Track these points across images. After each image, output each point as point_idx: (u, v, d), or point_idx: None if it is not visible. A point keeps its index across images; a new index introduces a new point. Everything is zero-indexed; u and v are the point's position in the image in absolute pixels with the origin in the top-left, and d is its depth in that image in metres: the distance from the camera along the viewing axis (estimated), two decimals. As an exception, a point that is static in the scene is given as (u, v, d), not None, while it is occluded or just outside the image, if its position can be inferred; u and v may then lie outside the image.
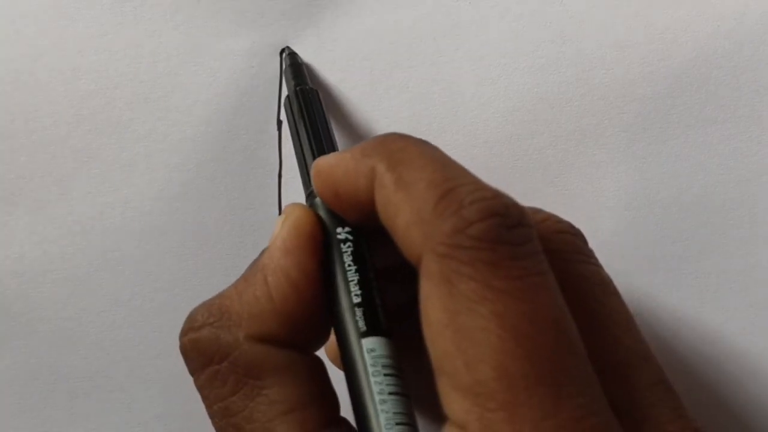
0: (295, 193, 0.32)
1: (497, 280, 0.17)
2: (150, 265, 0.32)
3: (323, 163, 0.21)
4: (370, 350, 0.20)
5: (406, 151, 0.20)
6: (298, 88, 0.29)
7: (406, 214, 0.18)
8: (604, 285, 0.21)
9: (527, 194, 0.31)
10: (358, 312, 0.20)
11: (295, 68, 0.30)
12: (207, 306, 0.21)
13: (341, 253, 0.21)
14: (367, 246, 0.22)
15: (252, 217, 0.32)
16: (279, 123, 0.31)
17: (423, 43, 0.31)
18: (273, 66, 0.31)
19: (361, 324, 0.20)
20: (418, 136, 0.20)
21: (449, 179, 0.18)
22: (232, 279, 0.32)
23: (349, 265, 0.21)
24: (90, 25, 0.31)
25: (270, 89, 0.31)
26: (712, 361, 0.32)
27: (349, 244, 0.21)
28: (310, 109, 0.28)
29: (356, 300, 0.20)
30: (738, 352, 0.32)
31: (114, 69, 0.31)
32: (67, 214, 0.31)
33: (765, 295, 0.32)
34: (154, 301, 0.32)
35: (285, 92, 0.31)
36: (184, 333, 0.21)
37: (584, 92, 0.31)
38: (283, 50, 0.31)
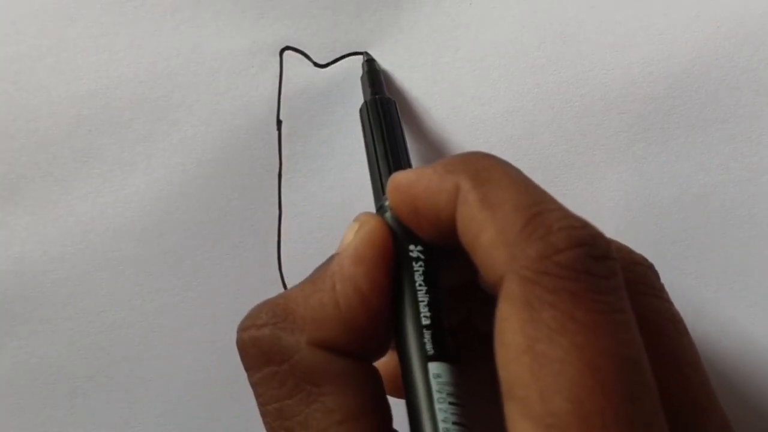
0: (295, 193, 0.32)
1: (580, 312, 0.17)
2: (150, 265, 0.32)
3: (402, 178, 0.21)
4: (436, 375, 0.19)
5: (493, 170, 0.19)
6: (376, 97, 0.28)
7: (491, 233, 0.18)
8: (676, 322, 0.21)
9: (527, 194, 0.31)
10: (426, 334, 0.20)
11: (372, 75, 0.30)
12: (271, 305, 0.21)
13: (412, 272, 0.21)
14: (438, 266, 0.21)
15: (252, 217, 0.32)
16: (279, 123, 0.31)
17: (424, 43, 0.31)
18: (273, 66, 0.31)
19: (429, 347, 0.19)
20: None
21: (537, 203, 0.18)
22: (232, 279, 0.32)
23: (420, 285, 0.20)
24: (90, 25, 0.31)
25: (270, 89, 0.31)
26: (712, 360, 0.32)
27: (421, 263, 0.21)
28: (389, 119, 0.28)
29: (425, 321, 0.20)
30: (738, 352, 0.32)
31: (114, 69, 0.31)
32: (67, 214, 0.31)
33: (765, 295, 0.32)
34: (154, 301, 0.32)
35: (285, 92, 0.31)
36: (244, 328, 0.21)
37: (584, 93, 0.31)
38: (283, 50, 0.31)
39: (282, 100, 0.31)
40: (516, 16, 0.31)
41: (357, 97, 0.31)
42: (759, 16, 0.31)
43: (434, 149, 0.31)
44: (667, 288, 0.32)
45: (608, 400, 0.16)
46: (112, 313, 0.32)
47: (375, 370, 0.21)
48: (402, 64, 0.31)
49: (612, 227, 0.31)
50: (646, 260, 0.22)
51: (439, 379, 0.19)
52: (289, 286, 0.32)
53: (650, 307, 0.20)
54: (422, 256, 0.21)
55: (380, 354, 0.21)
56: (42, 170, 0.31)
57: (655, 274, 0.22)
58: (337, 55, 0.31)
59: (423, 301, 0.20)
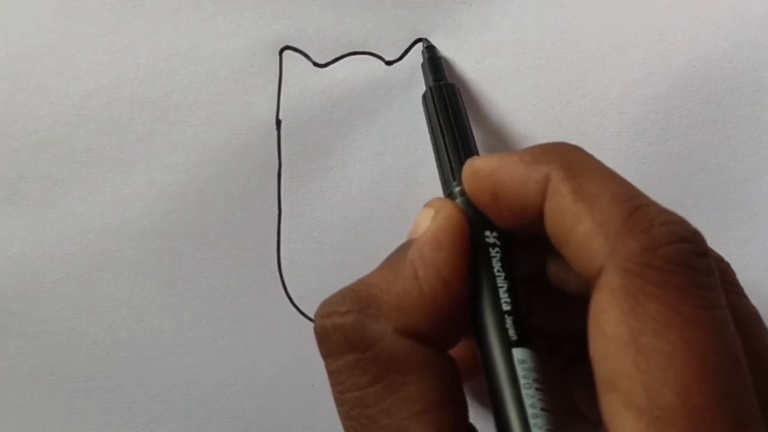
0: (294, 193, 0.31)
1: (686, 306, 0.17)
2: (150, 265, 0.32)
3: (482, 163, 0.21)
4: (521, 361, 0.19)
5: (584, 162, 0.19)
6: (441, 83, 0.28)
7: (588, 225, 0.18)
8: (758, 320, 0.21)
9: (527, 194, 0.31)
10: (508, 320, 0.19)
11: (433, 62, 0.30)
12: (354, 291, 0.20)
13: (489, 258, 0.21)
14: (512, 253, 0.21)
15: (252, 217, 0.32)
16: (278, 123, 0.31)
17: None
18: (272, 66, 0.31)
19: (512, 333, 0.19)
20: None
21: (634, 197, 0.18)
22: (232, 279, 0.32)
23: (498, 271, 0.20)
24: (90, 25, 0.31)
25: (269, 89, 0.31)
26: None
27: (497, 249, 0.21)
28: (454, 105, 0.27)
29: (506, 308, 0.20)
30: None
31: (114, 69, 0.31)
32: (67, 214, 0.31)
33: (765, 295, 0.32)
34: (154, 301, 0.32)
35: (284, 92, 0.31)
36: (325, 315, 0.20)
37: (584, 93, 0.31)
38: (282, 50, 0.31)
39: (281, 99, 0.31)
40: (516, 16, 0.31)
41: (356, 97, 0.31)
42: (759, 16, 0.31)
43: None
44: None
45: (716, 396, 0.16)
46: (112, 313, 0.32)
47: (453, 360, 0.20)
48: (402, 65, 0.31)
49: (612, 227, 0.31)
50: (722, 257, 0.22)
51: (524, 365, 0.19)
52: (288, 287, 0.32)
53: (735, 305, 0.20)
54: (498, 242, 0.21)
55: (456, 342, 0.21)
56: (42, 170, 0.31)
57: (733, 272, 0.22)
58: (337, 55, 0.31)
59: (502, 287, 0.20)
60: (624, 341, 0.17)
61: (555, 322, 0.24)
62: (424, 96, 0.29)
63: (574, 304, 0.21)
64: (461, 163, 0.22)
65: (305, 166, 0.31)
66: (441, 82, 0.28)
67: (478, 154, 0.26)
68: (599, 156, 0.31)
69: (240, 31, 0.31)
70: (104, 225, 0.32)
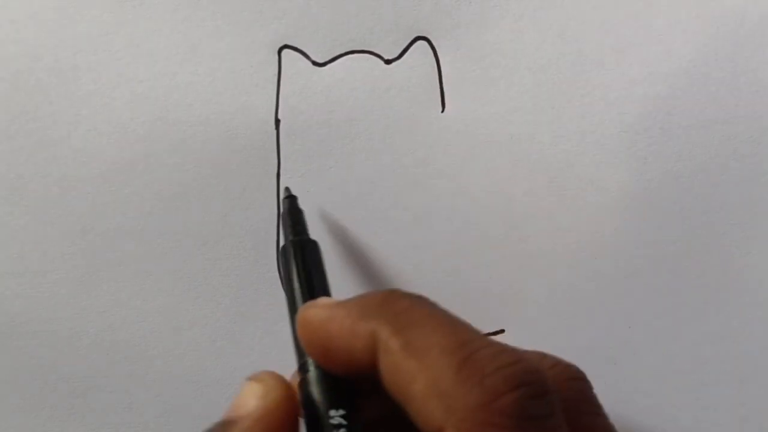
0: (294, 193, 0.31)
1: None
2: (150, 265, 0.32)
3: (312, 315, 0.20)
4: None
5: (411, 312, 0.19)
6: (299, 239, 0.27)
7: (422, 384, 0.17)
8: None
9: (528, 195, 0.31)
10: None
11: (293, 215, 0.28)
12: None
13: None
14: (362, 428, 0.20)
15: (252, 217, 0.32)
16: (277, 122, 0.31)
17: (423, 42, 0.31)
18: (271, 65, 0.31)
19: None
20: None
21: (465, 343, 0.17)
22: (232, 279, 0.32)
23: None
24: (90, 25, 0.31)
25: (268, 88, 0.31)
26: (712, 360, 0.32)
27: (343, 430, 0.20)
28: (315, 263, 0.26)
29: None
30: (738, 352, 0.32)
31: (114, 69, 0.31)
32: (67, 214, 0.31)
33: (765, 295, 0.32)
34: (154, 301, 0.32)
35: (283, 92, 0.31)
36: None
37: (584, 93, 0.31)
38: (281, 49, 0.31)
39: (280, 99, 0.31)
40: (516, 16, 0.31)
41: (355, 96, 0.31)
42: (759, 17, 0.31)
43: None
44: (668, 289, 0.32)
45: None
46: (112, 313, 0.32)
47: None
48: (401, 64, 0.31)
49: (612, 227, 0.31)
50: (580, 372, 0.21)
51: None
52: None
53: (589, 426, 0.19)
54: (344, 422, 0.20)
55: None
56: (42, 170, 0.31)
57: (590, 387, 0.21)
58: (336, 54, 0.31)
59: None
60: None
61: None
62: (283, 249, 0.27)
63: None
64: None
65: (304, 166, 0.31)
66: (299, 238, 0.27)
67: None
68: (600, 156, 0.31)
69: (239, 30, 0.31)
70: (104, 225, 0.32)
